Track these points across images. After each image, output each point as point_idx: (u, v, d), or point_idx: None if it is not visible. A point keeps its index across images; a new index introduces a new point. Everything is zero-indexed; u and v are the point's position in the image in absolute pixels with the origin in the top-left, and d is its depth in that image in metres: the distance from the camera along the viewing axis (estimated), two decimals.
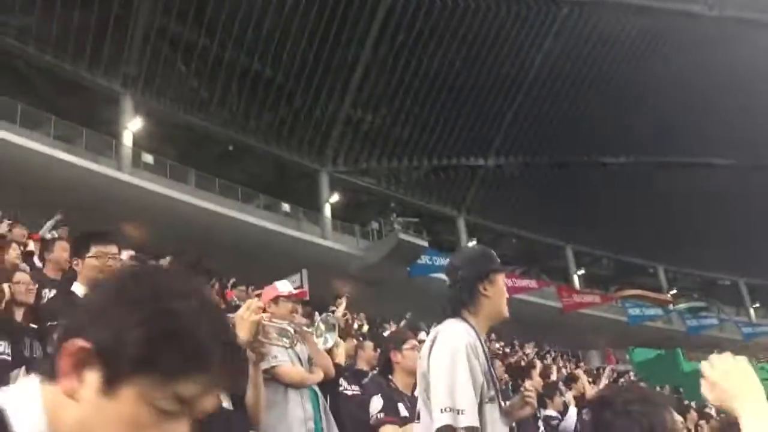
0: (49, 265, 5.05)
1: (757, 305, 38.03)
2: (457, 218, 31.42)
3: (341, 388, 5.32)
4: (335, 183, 27.88)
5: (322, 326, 2.68)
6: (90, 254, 3.23)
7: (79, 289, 3.22)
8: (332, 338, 2.69)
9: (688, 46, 30.20)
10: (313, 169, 27.48)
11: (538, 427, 6.04)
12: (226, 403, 2.47)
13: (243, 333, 2.43)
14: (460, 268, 2.61)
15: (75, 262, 3.31)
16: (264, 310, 2.54)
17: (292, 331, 2.60)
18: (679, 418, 1.66)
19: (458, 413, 2.24)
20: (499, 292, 2.54)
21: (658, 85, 30.49)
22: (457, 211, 31.47)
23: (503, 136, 30.53)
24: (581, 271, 35.00)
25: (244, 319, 2.44)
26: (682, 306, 33.44)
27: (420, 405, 2.46)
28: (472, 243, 31.18)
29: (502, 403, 2.47)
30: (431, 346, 2.41)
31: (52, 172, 16.82)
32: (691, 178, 32.57)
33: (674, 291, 36.63)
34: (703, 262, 35.65)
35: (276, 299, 3.96)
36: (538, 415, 6.18)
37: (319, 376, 3.98)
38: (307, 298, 3.84)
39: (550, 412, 6.50)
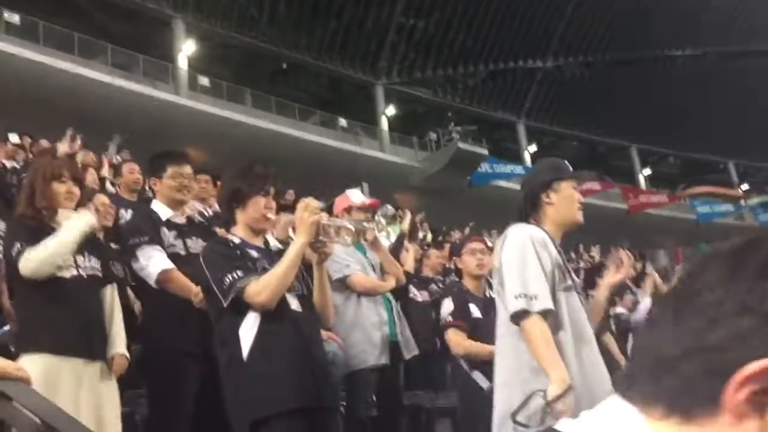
0: (120, 188, 5.21)
1: None
2: (517, 123, 30.79)
3: (411, 295, 5.44)
4: (391, 95, 27.57)
5: (383, 220, 2.67)
6: (167, 174, 3.32)
7: (158, 207, 3.32)
8: (395, 231, 2.69)
9: None
10: (368, 82, 27.17)
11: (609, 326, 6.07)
12: (294, 305, 2.49)
13: (302, 235, 2.44)
14: (526, 181, 2.79)
15: (153, 181, 3.41)
16: (322, 211, 2.55)
17: (353, 228, 2.61)
18: None
19: (532, 298, 2.31)
20: (565, 199, 2.60)
21: None
22: (517, 116, 30.81)
23: (561, 35, 29.35)
24: (647, 171, 34.11)
25: (303, 220, 2.45)
26: (754, 201, 32.35)
27: (497, 303, 2.53)
28: (533, 148, 30.73)
29: (581, 294, 2.54)
30: (502, 244, 2.50)
31: (111, 100, 17.10)
32: (758, 66, 30.85)
33: (746, 186, 35.42)
34: None
35: (349, 209, 4.00)
36: (610, 313, 6.20)
37: (390, 283, 4.06)
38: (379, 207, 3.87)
39: (620, 309, 6.50)
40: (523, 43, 28.50)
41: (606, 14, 28.87)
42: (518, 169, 23.29)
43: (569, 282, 2.50)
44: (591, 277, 6.64)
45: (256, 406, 2.30)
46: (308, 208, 2.47)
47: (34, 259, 2.61)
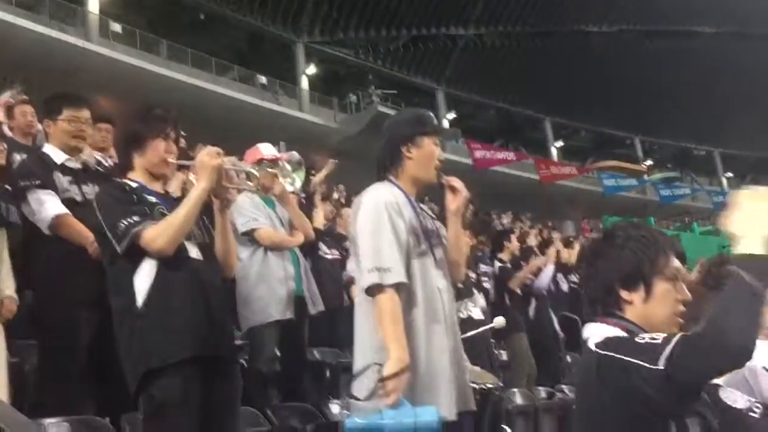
0: (14, 131, 4.92)
1: (730, 175, 38.71)
2: (437, 90, 30.97)
3: (320, 252, 5.43)
4: (312, 54, 27.13)
5: (288, 166, 2.61)
6: (62, 117, 3.14)
7: (51, 150, 3.15)
8: (300, 178, 2.62)
9: None
10: (289, 39, 26.62)
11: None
12: (194, 253, 2.41)
13: (204, 180, 2.36)
14: (387, 128, 2.63)
15: (46, 124, 3.22)
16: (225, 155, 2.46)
17: (256, 172, 2.56)
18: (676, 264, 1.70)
19: (384, 271, 2.27)
20: (424, 155, 2.51)
21: None
22: (437, 83, 30.97)
23: (483, 4, 29.54)
24: (559, 143, 35.10)
25: (204, 164, 2.36)
26: (656, 176, 33.92)
27: (355, 269, 2.50)
28: (451, 115, 31.03)
29: (436, 255, 2.49)
30: (356, 210, 2.46)
31: (15, 40, 16.10)
32: (671, 47, 32.09)
33: (650, 162, 37.05)
34: (679, 133, 35.86)
35: (259, 162, 3.88)
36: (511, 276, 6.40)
37: (299, 239, 4.03)
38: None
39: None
40: (445, 9, 28.53)
41: None
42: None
43: (423, 246, 2.44)
44: (499, 241, 6.84)
45: (151, 355, 2.23)
46: (211, 151, 2.39)
47: None
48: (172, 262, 2.31)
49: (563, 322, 6.97)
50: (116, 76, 17.47)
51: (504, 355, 6.24)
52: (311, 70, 26.85)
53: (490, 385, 3.56)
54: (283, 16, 25.81)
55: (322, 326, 4.85)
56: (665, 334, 1.51)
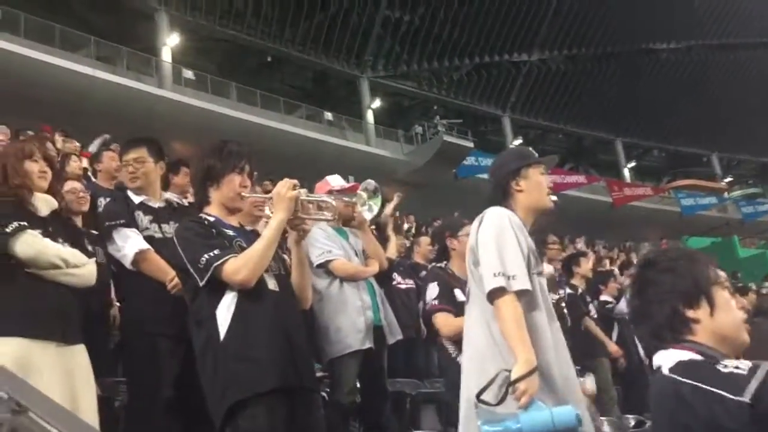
0: (100, 175, 5.14)
1: None
2: (502, 117, 30.83)
3: (395, 282, 5.41)
4: (376, 88, 27.51)
5: (364, 195, 2.59)
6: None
7: (131, 193, 3.28)
8: (377, 204, 2.58)
9: None
10: (353, 75, 27.09)
11: (589, 311, 6.08)
12: (272, 284, 2.44)
13: (281, 211, 2.39)
14: (494, 170, 2.76)
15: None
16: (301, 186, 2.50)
17: (332, 202, 2.56)
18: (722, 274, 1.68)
19: (510, 278, 2.31)
20: (533, 186, 2.63)
21: None
22: (502, 110, 30.84)
23: (546, 29, 29.41)
24: (632, 164, 34.30)
25: (281, 196, 2.40)
26: (737, 193, 32.65)
27: (470, 282, 2.54)
28: (518, 141, 30.78)
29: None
30: (479, 224, 2.53)
31: (95, 93, 16.94)
32: (741, 61, 31.07)
33: (729, 178, 35.70)
34: (759, 147, 34.47)
35: (329, 194, 3.94)
36: (591, 300, 6.22)
37: (374, 269, 4.01)
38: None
39: (605, 297, 6.51)
40: (508, 36, 28.52)
41: (590, 8, 28.95)
42: None
43: (541, 268, 2.55)
44: (568, 266, 6.64)
45: (235, 387, 2.24)
46: (287, 184, 2.43)
47: None
48: (251, 294, 2.34)
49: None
50: (189, 121, 18.11)
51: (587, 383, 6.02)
52: (376, 104, 27.19)
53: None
54: (347, 53, 26.33)
55: (399, 357, 4.81)
56: (750, 364, 1.45)
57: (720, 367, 1.47)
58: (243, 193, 2.53)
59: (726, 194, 31.82)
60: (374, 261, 4.02)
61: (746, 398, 1.36)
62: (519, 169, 2.64)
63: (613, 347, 6.13)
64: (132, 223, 3.11)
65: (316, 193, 3.91)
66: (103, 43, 19.72)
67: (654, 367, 1.66)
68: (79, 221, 3.98)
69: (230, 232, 2.47)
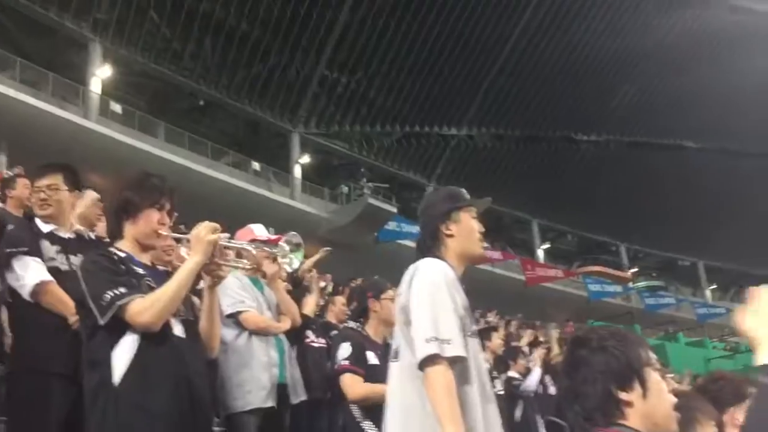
0: (10, 202, 4.90)
1: (714, 287, 38.92)
2: (427, 186, 31.41)
3: (308, 340, 5.29)
4: (307, 144, 27.62)
5: (286, 247, 2.51)
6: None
7: (39, 221, 3.11)
8: (298, 258, 2.50)
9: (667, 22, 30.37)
10: (285, 129, 27.15)
11: (495, 387, 6.09)
12: (178, 330, 2.31)
13: (198, 254, 2.29)
14: (423, 210, 2.56)
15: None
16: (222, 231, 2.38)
17: (253, 250, 2.49)
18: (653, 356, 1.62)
19: (444, 342, 2.15)
20: (465, 230, 2.46)
21: (634, 65, 30.64)
22: (428, 180, 31.45)
23: (477, 106, 30.48)
24: (546, 246, 35.36)
25: (200, 238, 2.30)
26: (641, 284, 34.04)
27: (399, 342, 2.35)
28: None
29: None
30: (410, 280, 2.32)
31: (16, 115, 16.32)
32: (659, 159, 32.97)
33: (635, 269, 37.28)
34: (664, 243, 36.28)
35: (251, 242, 3.84)
36: (498, 376, 6.24)
37: (285, 325, 3.92)
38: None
39: (513, 373, 6.57)
40: (439, 109, 29.37)
41: (520, 92, 30.25)
42: None
43: (474, 327, 2.39)
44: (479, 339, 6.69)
45: None
46: (207, 226, 2.34)
47: None
48: (154, 338, 2.21)
49: (549, 428, 6.77)
50: (112, 155, 17.61)
51: None
52: (305, 159, 27.26)
53: None
54: (281, 107, 26.43)
55: (303, 417, 4.67)
56: None
57: None
58: (161, 231, 2.42)
59: (631, 284, 33.11)
60: (286, 317, 3.93)
61: None
62: (449, 211, 2.46)
63: None
64: (36, 251, 2.93)
65: (238, 238, 3.81)
66: (30, 67, 19.14)
67: None
68: None
69: (140, 270, 2.34)
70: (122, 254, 2.36)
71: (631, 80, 31.28)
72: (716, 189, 32.56)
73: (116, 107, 21.40)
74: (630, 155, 33.04)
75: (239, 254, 2.50)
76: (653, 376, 1.59)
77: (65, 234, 3.11)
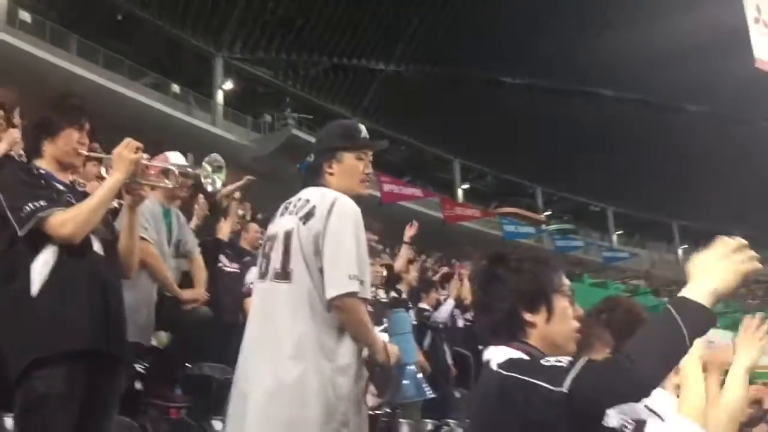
0: None
1: (620, 232, 40.77)
2: (352, 119, 31.15)
3: (220, 265, 5.33)
4: (230, 69, 26.85)
5: (208, 167, 2.52)
6: None
7: None
8: (220, 179, 2.51)
9: None
10: (209, 52, 26.25)
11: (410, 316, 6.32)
12: (97, 247, 2.34)
13: (120, 171, 2.30)
14: (317, 141, 2.62)
15: None
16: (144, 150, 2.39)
17: (175, 170, 2.51)
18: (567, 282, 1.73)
19: (363, 284, 2.21)
20: (345, 171, 2.44)
21: (563, 8, 30.91)
22: (352, 113, 31.20)
23: (407, 42, 30.21)
24: (465, 186, 35.98)
25: (122, 157, 2.31)
26: (553, 227, 35.26)
27: (296, 264, 2.27)
28: None
29: None
30: (330, 209, 2.28)
31: None
32: (579, 105, 33.70)
33: (548, 212, 38.53)
34: (578, 188, 37.49)
35: (166, 171, 3.78)
36: (411, 306, 6.46)
37: (185, 296, 3.79)
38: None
39: (424, 305, 6.81)
40: (369, 42, 28.98)
41: (451, 30, 30.10)
42: None
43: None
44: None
45: (36, 345, 2.12)
46: (129, 145, 2.34)
47: None
48: (73, 252, 2.24)
49: (456, 358, 7.07)
50: (21, 68, 16.66)
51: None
52: (228, 85, 26.54)
53: (378, 411, 3.56)
54: (205, 29, 25.46)
55: (215, 341, 4.74)
56: (570, 358, 1.51)
57: (543, 362, 1.52)
58: (81, 150, 2.43)
59: (544, 226, 34.26)
60: (193, 292, 3.84)
61: (564, 388, 1.39)
62: (335, 149, 2.45)
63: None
64: None
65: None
66: None
67: (484, 361, 1.67)
68: None
69: (60, 187, 2.36)
70: (42, 171, 2.37)
71: (555, 28, 31.55)
72: (630, 138, 33.72)
73: (25, 16, 20.09)
74: (548, 100, 33.66)
75: (161, 174, 2.50)
76: (561, 302, 1.69)
77: None
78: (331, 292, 2.18)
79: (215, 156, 2.55)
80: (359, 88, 30.72)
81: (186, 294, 3.80)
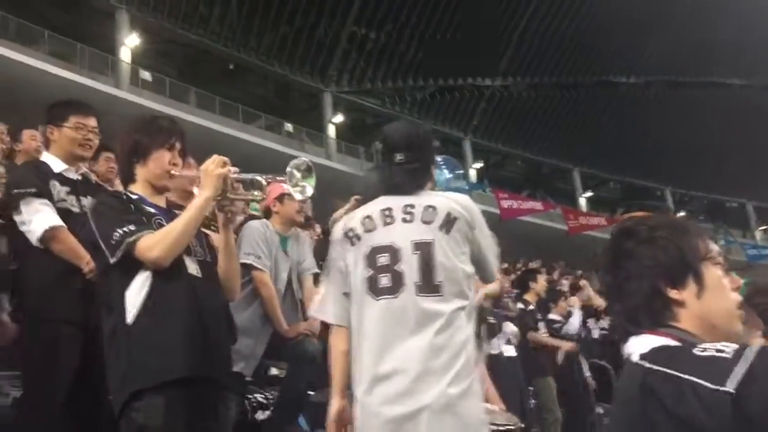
0: (19, 156, 4.82)
1: (764, 228, 37.94)
2: (463, 140, 30.99)
3: None
4: (339, 103, 27.39)
5: (296, 173, 2.34)
6: (68, 124, 2.97)
7: (49, 159, 2.96)
8: (311, 184, 2.33)
9: None
10: (317, 88, 26.93)
11: (537, 328, 6.01)
12: (194, 269, 2.21)
13: (208, 188, 2.18)
14: (422, 153, 2.45)
15: (49, 130, 3.03)
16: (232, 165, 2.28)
17: (264, 181, 2.35)
18: (715, 247, 1.32)
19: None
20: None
21: (670, 3, 29.52)
22: (463, 133, 31.02)
23: (511, 55, 29.77)
24: (588, 194, 34.78)
25: (208, 173, 2.19)
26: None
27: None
28: (479, 165, 30.94)
29: None
30: (467, 205, 2.37)
31: (48, 88, 16.38)
32: (702, 98, 31.91)
33: (682, 213, 36.45)
34: (712, 185, 35.35)
35: (281, 197, 3.72)
36: (540, 317, 6.13)
37: (293, 331, 3.60)
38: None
39: (554, 316, 6.41)
40: (473, 60, 28.75)
41: (554, 37, 29.41)
42: (463, 186, 23.34)
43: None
44: (524, 281, 6.54)
45: (135, 376, 2.00)
46: (216, 160, 2.23)
47: None
48: (167, 276, 2.11)
49: (594, 371, 6.62)
50: None
51: None
52: (338, 118, 27.07)
53: (510, 426, 3.22)
54: (311, 66, 26.19)
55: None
56: (735, 346, 1.12)
57: (697, 351, 1.16)
58: (172, 171, 2.32)
59: None
60: (306, 325, 3.63)
61: (729, 387, 1.05)
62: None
63: (567, 345, 6.07)
64: (45, 191, 2.79)
65: (269, 194, 3.63)
66: (58, 39, 19.20)
67: (624, 356, 1.36)
68: None
69: (151, 210, 2.25)
70: (134, 196, 2.28)
71: (667, 20, 30.11)
72: (763, 126, 31.43)
73: (146, 75, 21.42)
74: (669, 96, 32.03)
75: (251, 185, 2.34)
76: (712, 272, 1.36)
77: (74, 175, 2.97)
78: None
79: (302, 159, 2.36)
80: (467, 107, 30.49)
81: (293, 330, 3.59)
